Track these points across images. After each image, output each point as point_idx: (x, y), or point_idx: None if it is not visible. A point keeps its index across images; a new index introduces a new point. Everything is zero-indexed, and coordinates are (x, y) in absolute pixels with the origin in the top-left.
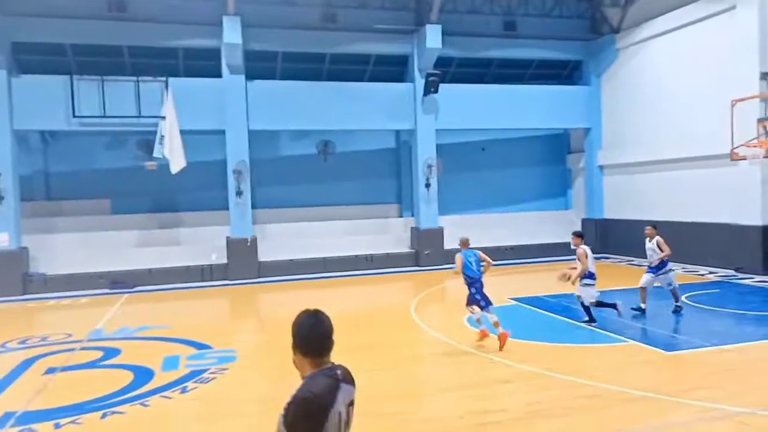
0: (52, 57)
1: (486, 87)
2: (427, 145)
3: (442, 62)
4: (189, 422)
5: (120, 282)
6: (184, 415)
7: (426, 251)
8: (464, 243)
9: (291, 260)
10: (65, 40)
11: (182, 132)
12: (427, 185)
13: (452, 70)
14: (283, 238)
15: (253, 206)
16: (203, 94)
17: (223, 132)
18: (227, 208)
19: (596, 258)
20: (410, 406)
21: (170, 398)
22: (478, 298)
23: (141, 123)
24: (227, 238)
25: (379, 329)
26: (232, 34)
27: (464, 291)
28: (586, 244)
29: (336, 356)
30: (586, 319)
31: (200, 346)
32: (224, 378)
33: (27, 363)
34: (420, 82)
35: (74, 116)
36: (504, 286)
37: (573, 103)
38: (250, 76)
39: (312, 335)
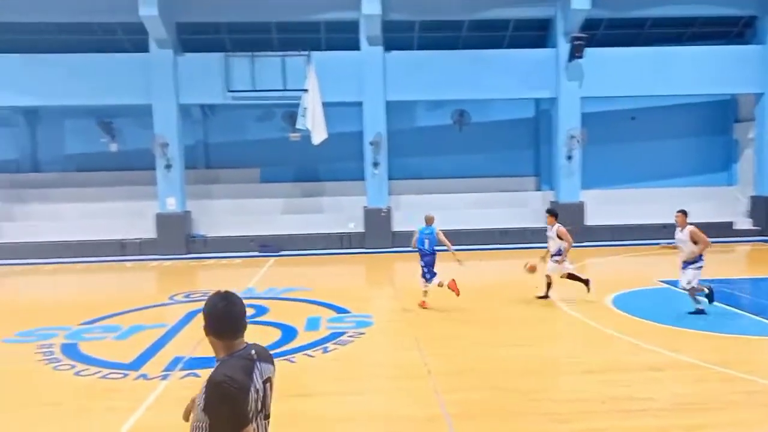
0: (210, 35)
1: (638, 50)
2: (569, 114)
3: (588, 24)
4: (330, 380)
5: (267, 245)
6: (325, 374)
7: (567, 226)
8: (427, 220)
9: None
10: (221, 18)
11: (324, 104)
12: (569, 157)
13: (600, 32)
14: (416, 209)
15: (389, 177)
16: (343, 66)
17: (360, 104)
18: (364, 179)
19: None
20: (546, 384)
21: (313, 357)
22: (424, 271)
23: (286, 96)
24: (364, 207)
25: (516, 305)
26: (371, 5)
27: (607, 271)
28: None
29: (470, 329)
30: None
31: (339, 309)
32: (361, 341)
33: (191, 315)
34: (564, 47)
35: (229, 91)
36: (654, 267)
37: (742, 65)
38: (388, 47)
39: (224, 317)
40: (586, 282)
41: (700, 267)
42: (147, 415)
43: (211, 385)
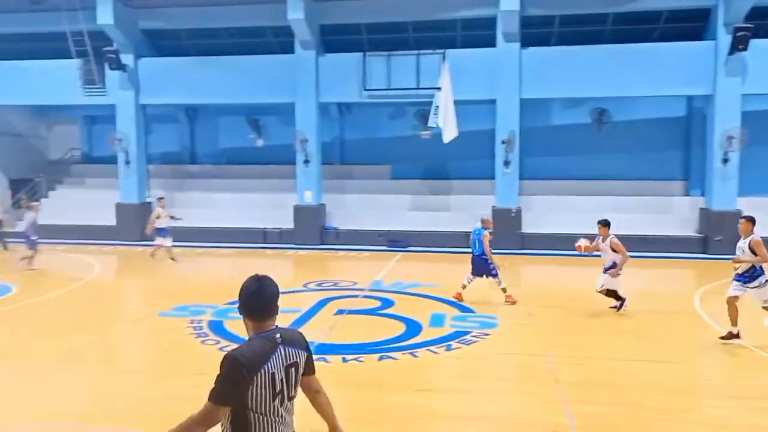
0: (350, 36)
1: None
2: (728, 112)
3: (754, 13)
4: (453, 378)
5: (396, 240)
6: (448, 371)
7: (717, 237)
8: (484, 222)
9: (553, 234)
10: (361, 20)
11: (455, 102)
12: (725, 160)
13: None
14: (548, 210)
15: (520, 177)
16: (477, 64)
17: (493, 101)
18: (494, 178)
19: None
20: (686, 405)
21: (436, 353)
22: (472, 269)
23: (419, 94)
24: (492, 207)
25: (658, 318)
26: (509, 1)
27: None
28: None
29: (603, 338)
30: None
31: (464, 308)
32: (486, 342)
33: (322, 302)
34: (724, 39)
35: (365, 89)
36: None
37: None
38: (525, 43)
39: (254, 299)
40: (621, 300)
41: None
42: None
43: (227, 358)
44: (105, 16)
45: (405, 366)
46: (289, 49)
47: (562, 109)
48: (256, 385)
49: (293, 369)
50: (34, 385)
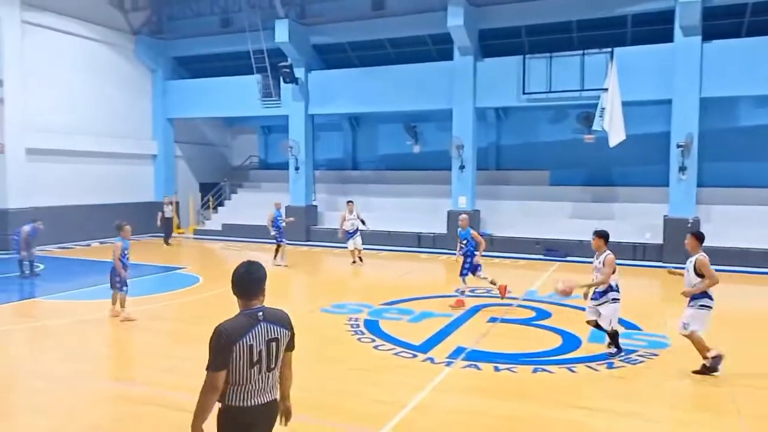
0: (509, 39)
1: None
2: None
3: None
4: (615, 399)
5: (553, 250)
6: (609, 391)
7: None
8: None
9: (739, 249)
10: (521, 22)
11: (623, 103)
12: None
13: None
14: (731, 221)
15: (698, 184)
16: (649, 61)
17: (668, 102)
18: (667, 185)
19: None
20: None
21: (596, 370)
22: (465, 267)
23: (583, 96)
24: (664, 217)
25: None
26: None
27: None
28: None
29: None
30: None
31: (629, 325)
32: (654, 363)
33: (474, 309)
34: None
35: (523, 93)
36: None
37: None
38: (707, 36)
39: (241, 281)
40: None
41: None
42: (431, 396)
43: (214, 330)
44: (282, 34)
45: (561, 380)
46: (447, 55)
47: (751, 108)
48: (235, 355)
49: (274, 343)
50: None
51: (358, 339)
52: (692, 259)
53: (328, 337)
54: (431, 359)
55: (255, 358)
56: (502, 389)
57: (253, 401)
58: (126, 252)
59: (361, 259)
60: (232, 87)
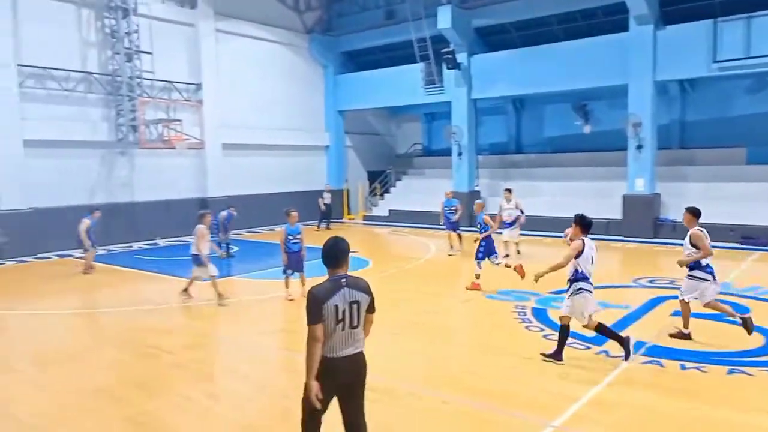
0: (695, 3)
1: None
2: None
3: None
4: None
5: (751, 237)
6: None
7: None
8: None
9: None
10: None
11: None
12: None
13: None
14: None
15: None
16: None
17: None
18: None
19: None
20: None
21: None
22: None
23: None
24: None
25: None
26: None
27: None
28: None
29: None
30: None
31: None
32: None
33: (655, 301)
34: None
35: (714, 61)
36: None
37: None
38: None
39: (326, 252)
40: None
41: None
42: (606, 391)
43: (307, 294)
44: (444, 21)
45: (763, 385)
46: (621, 27)
47: None
48: (324, 312)
49: (355, 305)
50: (382, 346)
51: (526, 327)
52: (688, 233)
53: (495, 324)
54: (606, 352)
55: (340, 317)
56: (690, 389)
57: (338, 353)
58: (291, 237)
59: (518, 252)
60: (396, 77)
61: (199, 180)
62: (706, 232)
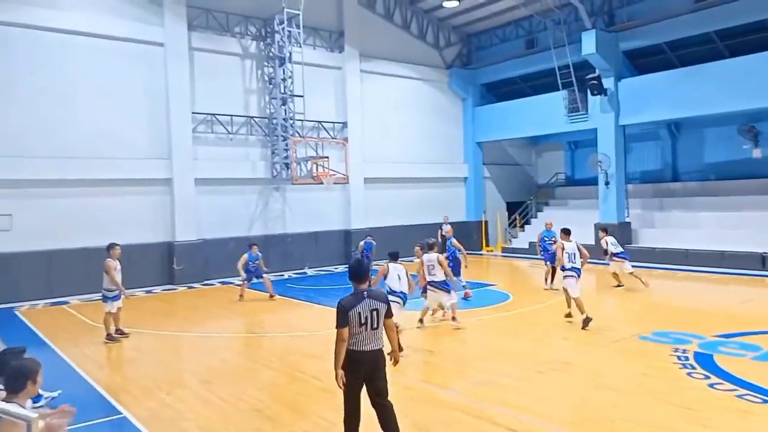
0: None
1: None
2: None
3: None
4: None
5: None
6: None
7: None
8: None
9: None
10: None
11: None
12: None
13: None
14: None
15: None
16: None
17: None
18: None
19: None
20: None
21: None
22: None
23: None
24: None
25: None
26: None
27: None
28: None
29: None
30: None
31: None
32: None
33: None
34: None
35: None
36: None
37: None
38: None
39: (351, 270)
40: None
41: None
42: None
43: (337, 305)
44: (589, 46)
45: None
46: None
47: None
48: (350, 318)
49: (375, 312)
50: (526, 383)
51: (688, 374)
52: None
53: (652, 368)
54: None
55: (362, 321)
56: None
57: (362, 348)
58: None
59: (644, 284)
60: (536, 106)
61: (344, 212)
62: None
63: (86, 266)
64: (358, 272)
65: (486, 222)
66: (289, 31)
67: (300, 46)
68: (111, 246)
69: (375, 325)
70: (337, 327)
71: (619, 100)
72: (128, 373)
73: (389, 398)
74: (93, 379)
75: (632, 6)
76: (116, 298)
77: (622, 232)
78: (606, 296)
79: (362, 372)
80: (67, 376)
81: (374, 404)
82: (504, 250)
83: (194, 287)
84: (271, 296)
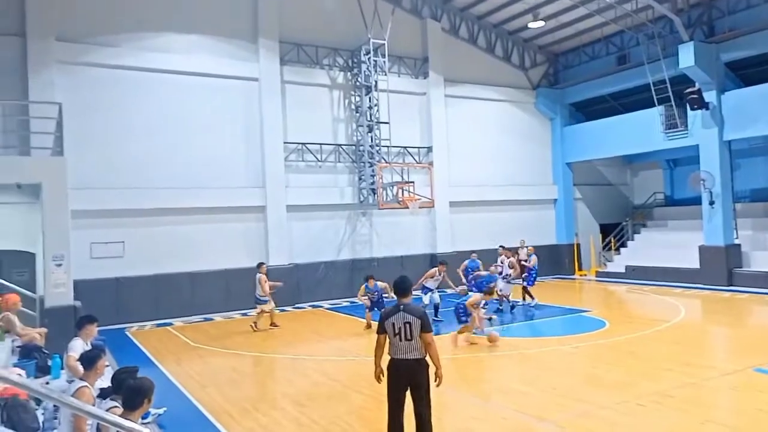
0: None
1: None
2: None
3: None
4: None
5: None
6: None
7: None
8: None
9: None
10: None
11: None
12: None
13: None
14: None
15: None
16: None
17: None
18: None
19: None
20: None
21: None
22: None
23: None
24: None
25: None
26: None
27: None
28: None
29: None
30: None
31: None
32: None
33: None
34: None
35: None
36: None
37: None
38: None
39: (395, 285)
40: None
41: None
42: None
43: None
44: (686, 59)
45: None
46: None
47: None
48: (386, 327)
49: (408, 324)
50: (626, 416)
51: None
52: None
53: (765, 403)
54: None
55: (396, 331)
56: None
57: (397, 356)
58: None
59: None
60: (630, 123)
61: (430, 236)
62: None
63: (188, 289)
64: (400, 287)
65: (578, 245)
66: (375, 61)
67: (385, 74)
68: (260, 264)
69: (408, 337)
70: (377, 333)
71: (723, 113)
72: (227, 393)
73: (430, 412)
74: (195, 397)
75: (733, 16)
76: (265, 301)
77: (731, 254)
78: (713, 324)
79: (401, 378)
80: (172, 395)
81: (415, 416)
82: (598, 274)
83: (286, 310)
84: (368, 326)
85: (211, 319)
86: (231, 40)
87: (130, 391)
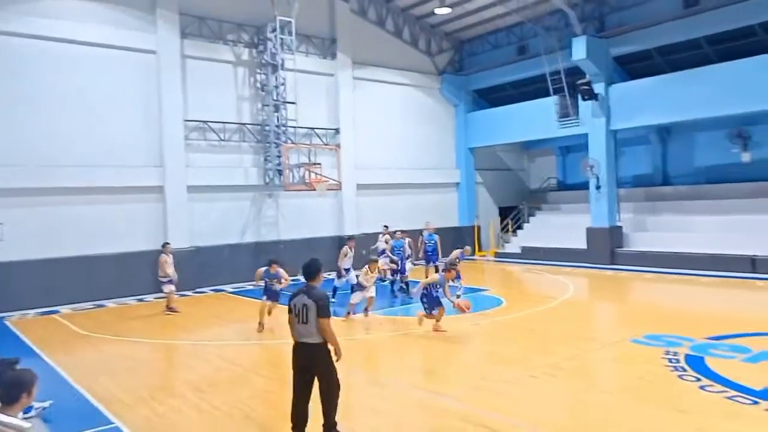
0: None
1: None
2: None
3: None
4: None
5: None
6: None
7: None
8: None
9: None
10: None
11: None
12: None
13: None
14: None
15: None
16: None
17: None
18: None
19: None
20: None
21: None
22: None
23: None
24: None
25: None
26: None
27: None
28: None
29: None
30: None
31: None
32: None
33: None
34: None
35: None
36: None
37: None
38: None
39: (303, 268)
40: None
41: None
42: None
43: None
44: (579, 52)
45: None
46: None
47: None
48: (290, 307)
49: (305, 306)
50: (520, 388)
51: (679, 376)
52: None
53: (643, 372)
54: None
55: (296, 312)
56: None
57: (298, 339)
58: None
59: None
60: (528, 112)
61: (337, 219)
62: None
63: (79, 274)
64: (306, 270)
65: (479, 227)
66: (282, 39)
67: (292, 53)
68: (165, 244)
69: (304, 320)
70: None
71: (610, 105)
72: (122, 382)
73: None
74: (85, 388)
75: (622, 12)
76: (170, 282)
77: (614, 235)
78: (598, 300)
79: (300, 361)
80: (59, 386)
81: (319, 391)
82: (497, 255)
83: (187, 295)
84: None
85: (104, 306)
86: (125, 9)
87: (7, 385)
